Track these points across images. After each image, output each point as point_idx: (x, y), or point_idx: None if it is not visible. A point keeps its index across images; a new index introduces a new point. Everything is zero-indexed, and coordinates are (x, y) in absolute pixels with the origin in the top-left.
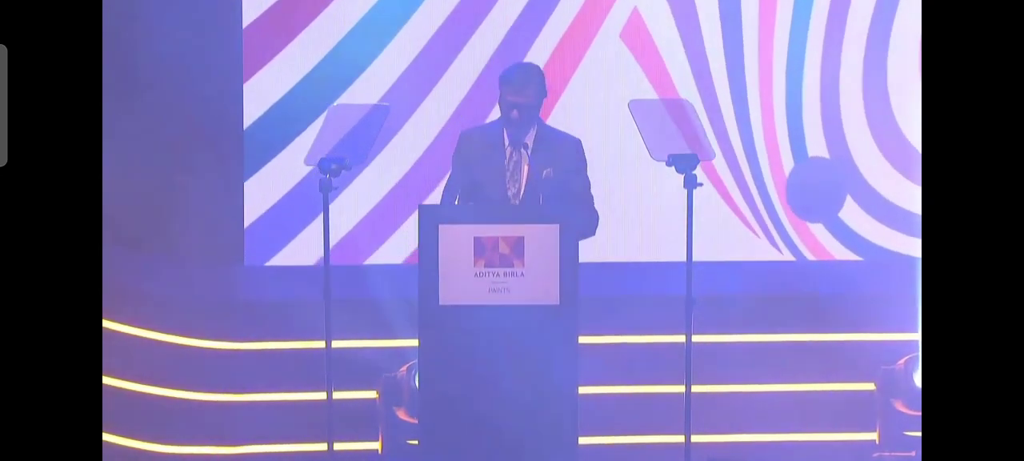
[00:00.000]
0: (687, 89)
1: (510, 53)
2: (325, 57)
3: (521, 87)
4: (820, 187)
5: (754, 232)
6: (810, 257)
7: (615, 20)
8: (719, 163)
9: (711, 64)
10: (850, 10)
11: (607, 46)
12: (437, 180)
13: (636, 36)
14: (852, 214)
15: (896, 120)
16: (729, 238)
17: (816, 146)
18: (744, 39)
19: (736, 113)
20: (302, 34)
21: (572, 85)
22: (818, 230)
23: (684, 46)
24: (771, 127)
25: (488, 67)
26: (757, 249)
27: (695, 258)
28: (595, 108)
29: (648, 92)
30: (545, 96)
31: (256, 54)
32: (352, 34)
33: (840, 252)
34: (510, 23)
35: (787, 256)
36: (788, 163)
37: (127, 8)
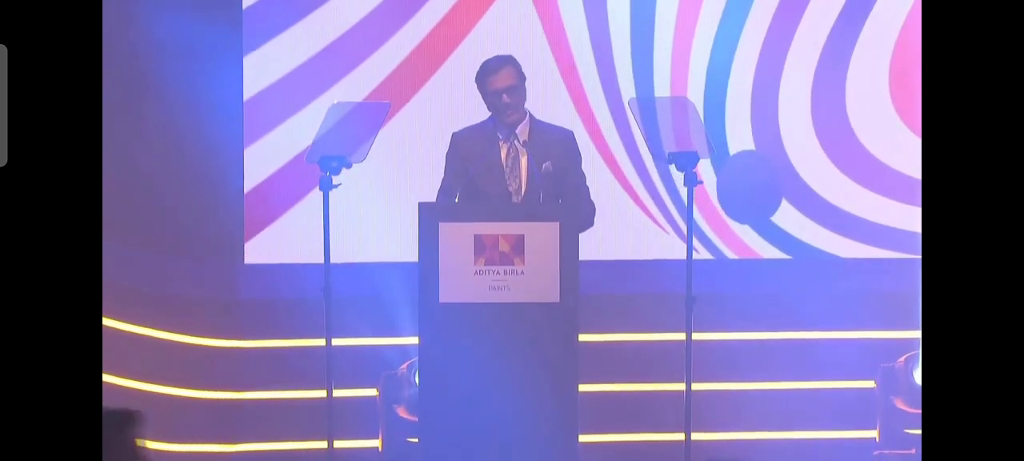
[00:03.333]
0: (587, 69)
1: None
2: (325, 56)
3: (499, 69)
4: (754, 185)
5: (663, 229)
6: (731, 255)
7: None
8: (622, 159)
9: (614, 43)
10: (806, 12)
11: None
12: (437, 177)
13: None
14: (782, 212)
15: (850, 123)
16: (638, 237)
17: (737, 139)
18: (657, 29)
19: (641, 104)
20: (302, 26)
21: (471, 36)
22: (739, 228)
23: (588, 31)
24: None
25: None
26: (672, 248)
27: (610, 257)
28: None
29: (546, 59)
30: (525, 78)
31: (255, 48)
32: (352, 30)
33: (767, 251)
34: None
35: (704, 254)
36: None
37: (127, 8)
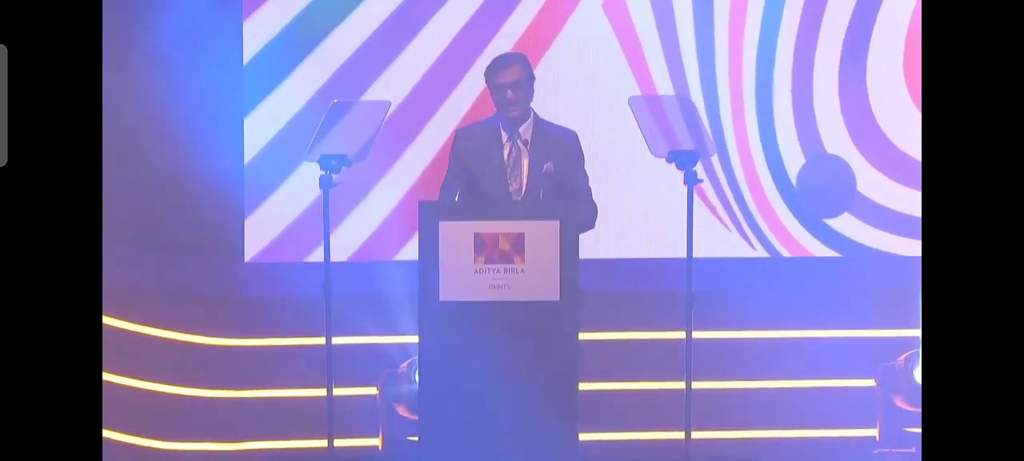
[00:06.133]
0: (661, 79)
1: (492, 16)
2: (325, 49)
3: (508, 66)
4: (830, 187)
5: (726, 226)
6: (785, 253)
7: None
8: None
9: (683, 54)
10: (826, 8)
11: (589, 16)
12: (438, 176)
13: (617, 11)
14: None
15: (875, 117)
16: (701, 234)
17: (787, 140)
18: (715, 35)
19: (706, 105)
20: (302, 24)
21: (548, 55)
22: (792, 226)
23: (659, 37)
24: (741, 120)
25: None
26: (730, 245)
27: (668, 255)
28: (567, 84)
29: (624, 72)
30: (533, 78)
31: (256, 48)
32: (350, 26)
33: (817, 248)
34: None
35: (760, 252)
36: (759, 157)
37: (127, 6)
